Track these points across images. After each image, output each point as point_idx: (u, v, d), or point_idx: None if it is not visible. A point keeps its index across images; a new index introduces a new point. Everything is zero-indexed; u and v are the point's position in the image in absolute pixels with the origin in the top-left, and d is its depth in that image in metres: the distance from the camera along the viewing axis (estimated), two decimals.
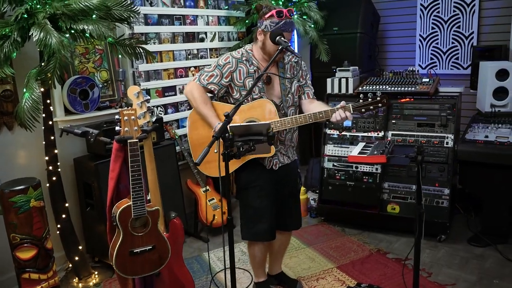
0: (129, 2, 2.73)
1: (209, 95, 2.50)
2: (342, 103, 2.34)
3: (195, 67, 4.21)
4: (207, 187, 3.87)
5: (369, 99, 2.34)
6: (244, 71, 2.44)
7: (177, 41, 4.01)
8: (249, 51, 2.48)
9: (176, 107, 4.08)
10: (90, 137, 2.15)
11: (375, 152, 2.35)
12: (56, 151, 2.97)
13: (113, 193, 2.02)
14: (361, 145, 2.55)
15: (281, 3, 4.19)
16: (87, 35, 2.59)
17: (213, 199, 3.84)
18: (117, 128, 1.97)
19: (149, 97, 2.09)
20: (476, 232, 3.55)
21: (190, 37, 4.13)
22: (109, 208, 2.04)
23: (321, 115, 2.34)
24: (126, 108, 1.96)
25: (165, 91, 3.97)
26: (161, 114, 3.93)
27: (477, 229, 3.61)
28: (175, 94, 4.06)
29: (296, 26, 4.15)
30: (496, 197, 3.38)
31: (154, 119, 1.98)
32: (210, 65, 2.48)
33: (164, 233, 2.14)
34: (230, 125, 1.95)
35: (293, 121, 2.34)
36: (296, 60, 2.58)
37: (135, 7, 2.76)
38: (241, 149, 1.90)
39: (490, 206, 3.44)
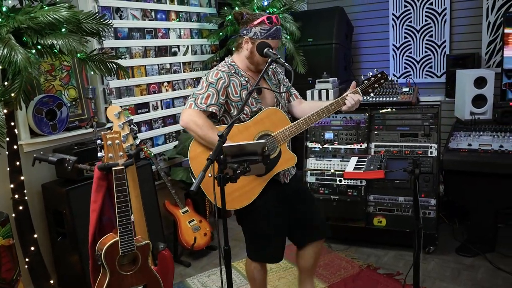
0: (100, 15, 2.54)
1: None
2: (350, 89, 2.36)
3: (168, 82, 4.02)
4: (187, 208, 3.67)
5: (372, 78, 2.37)
6: (237, 83, 2.28)
7: (149, 55, 3.83)
8: (233, 63, 2.34)
9: (150, 124, 3.87)
10: (67, 165, 1.93)
11: (371, 167, 2.24)
12: (22, 177, 2.72)
13: (95, 227, 1.81)
14: (354, 159, 2.45)
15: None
16: (55, 50, 2.38)
17: (193, 220, 3.64)
18: (99, 154, 1.76)
19: (132, 117, 1.90)
20: (464, 241, 3.50)
21: (162, 51, 3.95)
22: (91, 244, 1.82)
23: (333, 107, 2.29)
24: (109, 131, 1.75)
25: (138, 108, 3.76)
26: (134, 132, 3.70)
27: (463, 238, 3.57)
28: (149, 111, 3.85)
29: None
30: (482, 205, 3.35)
31: (138, 141, 1.79)
32: (199, 87, 2.25)
33: (152, 267, 1.94)
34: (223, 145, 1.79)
35: (307, 121, 2.26)
36: (274, 67, 2.51)
37: (107, 20, 2.57)
38: (237, 171, 1.74)
39: (477, 215, 3.41)
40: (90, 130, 3.25)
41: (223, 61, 2.38)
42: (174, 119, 4.11)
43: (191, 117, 2.17)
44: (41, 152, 2.07)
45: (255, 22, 2.22)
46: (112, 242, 1.72)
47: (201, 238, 3.59)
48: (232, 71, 2.30)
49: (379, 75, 2.38)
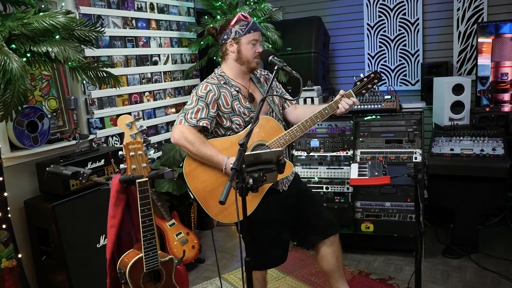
0: (93, 22, 2.44)
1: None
2: (342, 92, 2.34)
3: (149, 92, 3.92)
4: (173, 221, 3.56)
5: (364, 79, 2.37)
6: (228, 94, 2.25)
7: (131, 65, 3.71)
8: (222, 74, 2.31)
9: None
10: (81, 178, 1.82)
11: (376, 174, 2.26)
12: (6, 194, 2.55)
13: (114, 244, 1.70)
14: (355, 166, 2.46)
15: None
16: (45, 58, 2.26)
17: (180, 233, 3.54)
18: (122, 165, 1.67)
19: (145, 128, 1.82)
20: (448, 244, 3.60)
21: (143, 60, 3.85)
22: (110, 262, 1.71)
23: (326, 111, 2.28)
24: (130, 140, 1.66)
25: None
26: (116, 144, 3.58)
27: (446, 240, 3.67)
28: None
29: None
30: (466, 208, 3.45)
31: (152, 152, 1.71)
32: (189, 102, 2.21)
33: None
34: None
35: (301, 128, 2.24)
36: (266, 73, 2.53)
37: (100, 27, 2.47)
38: (257, 180, 1.70)
39: (460, 218, 3.51)
40: (73, 142, 3.11)
41: (213, 73, 2.36)
42: (156, 129, 4.00)
43: (182, 134, 2.13)
44: (51, 166, 1.94)
45: (232, 23, 2.25)
46: (137, 259, 1.62)
47: (189, 251, 3.49)
48: (222, 82, 2.27)
49: (372, 74, 2.38)
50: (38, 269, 2.91)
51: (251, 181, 1.74)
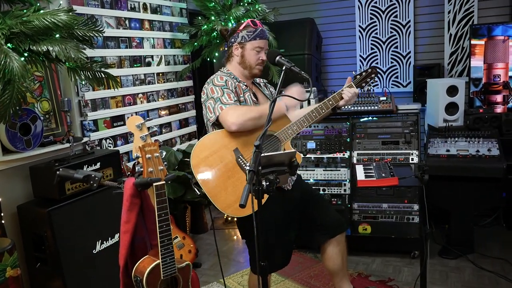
0: (92, 21, 2.37)
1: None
2: (346, 83, 2.39)
3: (143, 93, 3.84)
4: None
5: (363, 73, 2.40)
6: (238, 87, 2.30)
7: (124, 66, 3.63)
8: (229, 72, 2.36)
9: (126, 138, 3.66)
10: (93, 182, 1.74)
11: (383, 175, 2.24)
12: (0, 199, 2.45)
13: (128, 250, 1.63)
14: (360, 168, 2.44)
15: (230, 24, 4.03)
16: (42, 58, 2.19)
17: (176, 237, 3.47)
18: (138, 168, 1.61)
19: (156, 129, 1.76)
20: (445, 244, 3.62)
21: (137, 61, 3.77)
22: (124, 269, 1.64)
23: (330, 102, 2.30)
24: (146, 142, 1.60)
25: (113, 121, 3.55)
26: (110, 146, 3.49)
27: (442, 241, 3.69)
28: (124, 124, 3.64)
29: None
30: (462, 208, 3.48)
31: (164, 154, 1.65)
32: (212, 94, 2.19)
33: None
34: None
35: (308, 119, 2.24)
36: (266, 81, 2.60)
37: (100, 27, 2.40)
38: (271, 182, 1.66)
39: (457, 218, 3.54)
40: (67, 145, 3.01)
41: (219, 71, 2.40)
42: None
43: (235, 112, 2.10)
44: (60, 169, 1.85)
45: (241, 28, 2.31)
46: (154, 266, 1.55)
47: (186, 256, 3.42)
48: (231, 77, 2.32)
49: (370, 69, 2.44)
50: (33, 277, 2.80)
51: (264, 183, 1.70)
